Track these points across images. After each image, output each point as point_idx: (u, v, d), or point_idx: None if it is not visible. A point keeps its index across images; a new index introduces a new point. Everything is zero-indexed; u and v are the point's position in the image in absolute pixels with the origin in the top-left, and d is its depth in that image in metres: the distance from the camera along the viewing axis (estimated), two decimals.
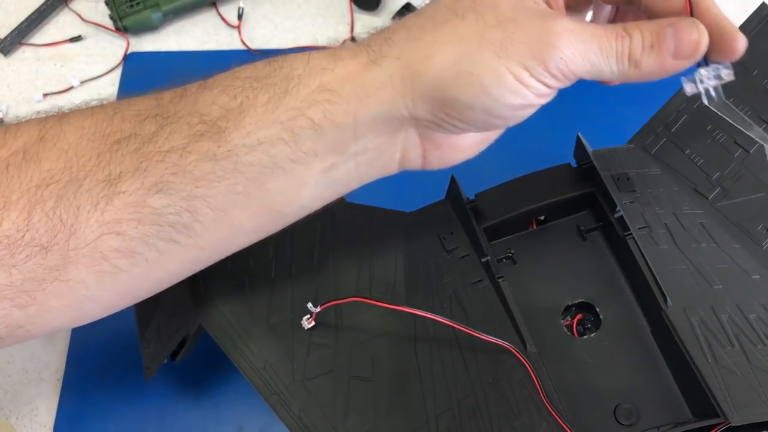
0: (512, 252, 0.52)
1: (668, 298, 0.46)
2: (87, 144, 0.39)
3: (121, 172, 0.38)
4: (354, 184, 0.43)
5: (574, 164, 0.54)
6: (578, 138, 0.53)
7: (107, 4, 0.79)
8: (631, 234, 0.49)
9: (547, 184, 0.53)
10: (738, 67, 0.56)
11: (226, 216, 0.40)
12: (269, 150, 0.38)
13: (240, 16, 0.79)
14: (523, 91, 0.37)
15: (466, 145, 0.44)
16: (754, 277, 0.49)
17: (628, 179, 0.53)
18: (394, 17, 0.77)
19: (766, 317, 0.46)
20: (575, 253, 0.52)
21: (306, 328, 0.49)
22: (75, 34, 0.79)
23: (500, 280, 0.49)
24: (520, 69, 0.36)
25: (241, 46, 0.77)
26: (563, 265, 0.52)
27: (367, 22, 0.78)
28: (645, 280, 0.47)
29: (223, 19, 0.80)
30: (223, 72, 0.40)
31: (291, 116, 0.38)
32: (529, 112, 0.40)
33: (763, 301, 0.47)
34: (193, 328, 0.50)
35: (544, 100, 0.39)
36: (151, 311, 0.54)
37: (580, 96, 0.71)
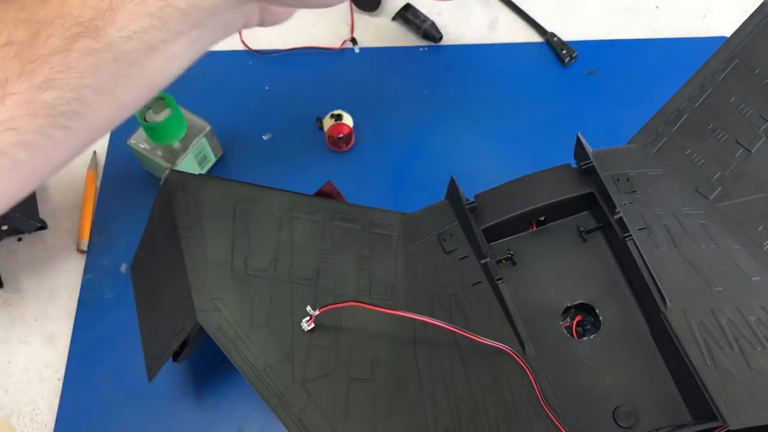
0: (512, 253, 0.52)
1: (667, 300, 0.46)
2: None
3: (6, 77, 0.41)
4: (211, 45, 0.49)
5: (573, 165, 0.54)
6: (578, 138, 0.53)
7: None
8: (631, 235, 0.48)
9: (547, 184, 0.52)
10: (742, 67, 0.56)
11: (111, 98, 0.45)
12: (143, 37, 0.43)
13: None
14: None
15: (291, 9, 0.52)
16: (754, 278, 0.48)
17: (628, 180, 0.52)
18: (394, 17, 0.77)
19: (766, 319, 0.46)
20: (575, 255, 0.52)
21: (306, 330, 0.49)
22: None
23: (499, 282, 0.49)
24: None
25: (241, 47, 0.77)
26: (563, 267, 0.52)
27: (367, 23, 0.78)
28: (644, 282, 0.47)
29: None
30: None
31: (159, 7, 0.43)
32: None
33: (763, 303, 0.47)
34: (194, 330, 0.50)
35: None
36: (152, 314, 0.54)
37: (581, 96, 0.71)
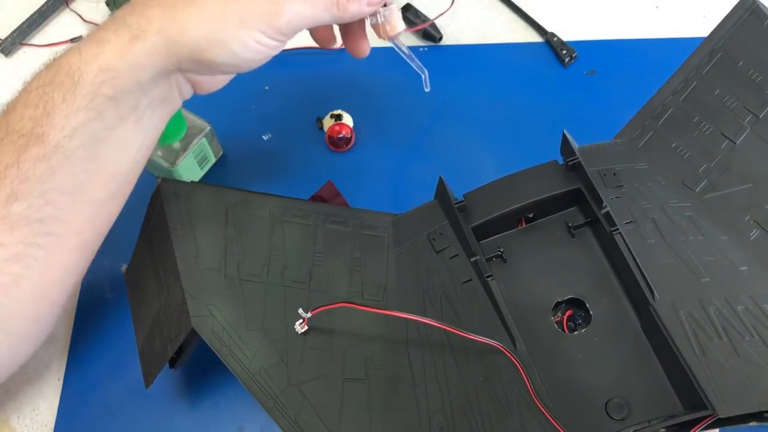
0: (502, 250, 0.52)
1: (656, 293, 0.47)
2: None
3: None
4: (161, 124, 0.52)
5: (561, 161, 0.54)
6: (564, 135, 0.53)
7: (108, 4, 0.79)
8: (618, 229, 0.49)
9: (535, 181, 0.53)
10: (725, 60, 0.57)
11: (81, 195, 0.48)
12: (85, 131, 0.46)
13: None
14: (262, 49, 0.48)
15: (223, 79, 0.54)
16: (741, 268, 0.49)
17: (614, 174, 0.53)
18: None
19: (754, 309, 0.47)
20: (564, 250, 0.52)
21: (299, 332, 0.49)
22: (76, 35, 0.79)
23: (489, 279, 0.49)
24: (259, 34, 0.47)
25: None
26: (553, 262, 0.52)
27: (367, 23, 0.78)
28: (633, 275, 0.48)
29: None
30: (17, 93, 0.47)
31: (89, 99, 0.45)
32: (270, 57, 0.50)
33: (750, 292, 0.47)
34: (189, 336, 0.50)
35: (279, 50, 0.50)
36: (147, 321, 0.54)
37: (581, 96, 0.71)
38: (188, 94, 0.52)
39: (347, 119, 0.70)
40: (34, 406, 0.60)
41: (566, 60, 0.73)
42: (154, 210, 0.55)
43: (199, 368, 0.59)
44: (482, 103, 0.72)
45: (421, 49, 0.76)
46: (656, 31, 0.76)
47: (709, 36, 0.58)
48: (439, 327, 0.46)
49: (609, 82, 0.72)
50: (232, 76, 0.54)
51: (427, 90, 0.57)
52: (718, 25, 0.58)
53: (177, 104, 0.52)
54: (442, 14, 0.77)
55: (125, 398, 0.59)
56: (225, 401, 0.58)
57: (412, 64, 0.56)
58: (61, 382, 0.60)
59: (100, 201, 0.49)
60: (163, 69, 0.47)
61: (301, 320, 0.49)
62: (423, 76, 0.56)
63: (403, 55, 0.56)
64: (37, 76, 0.47)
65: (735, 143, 0.54)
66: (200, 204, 0.53)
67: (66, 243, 0.48)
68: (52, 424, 0.59)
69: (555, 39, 0.75)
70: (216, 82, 0.53)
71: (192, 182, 0.58)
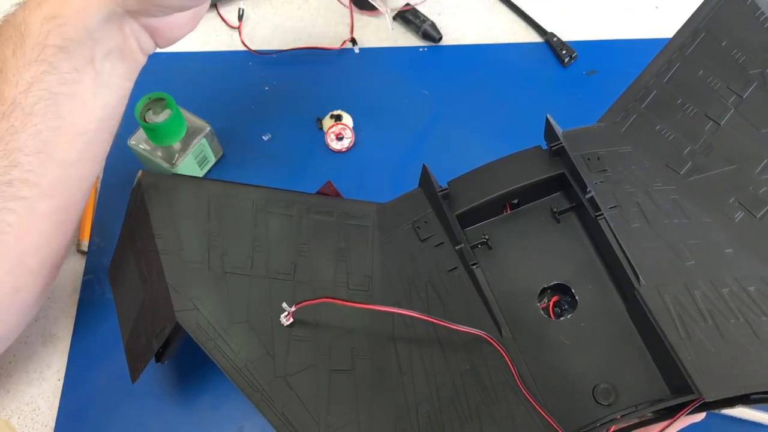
0: (487, 237, 0.52)
1: (641, 277, 0.46)
2: None
3: None
4: (125, 82, 0.50)
5: (542, 134, 0.54)
6: (547, 119, 0.53)
7: None
8: (602, 214, 0.49)
9: (519, 167, 0.53)
10: (709, 40, 0.56)
11: (47, 156, 0.47)
12: (41, 86, 0.45)
13: (240, 17, 0.79)
14: None
15: (179, 24, 0.52)
16: (726, 251, 0.49)
17: (598, 158, 0.53)
18: (394, 17, 0.77)
19: (739, 291, 0.47)
20: (550, 236, 0.52)
21: (285, 325, 0.49)
22: None
23: (474, 267, 0.49)
24: None
25: (241, 47, 0.77)
26: (538, 248, 0.52)
27: (367, 23, 0.78)
28: (618, 260, 0.48)
29: (223, 20, 0.79)
30: None
31: (38, 51, 0.45)
32: None
33: (736, 274, 0.47)
34: (174, 330, 0.50)
35: None
36: (132, 316, 0.54)
37: (581, 96, 0.71)
38: (149, 46, 0.51)
39: (347, 119, 0.70)
40: (34, 406, 0.60)
41: (566, 60, 0.73)
42: (135, 203, 0.54)
43: (199, 369, 0.59)
44: (482, 103, 0.72)
45: (420, 49, 0.76)
46: (656, 31, 0.76)
47: (692, 16, 0.58)
48: (424, 319, 0.46)
49: (609, 82, 0.72)
50: (187, 18, 0.52)
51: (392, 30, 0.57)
52: (701, 6, 0.58)
53: (139, 59, 0.51)
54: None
55: (125, 398, 0.59)
56: (225, 402, 0.58)
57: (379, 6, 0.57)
58: (61, 382, 0.60)
59: (69, 162, 0.48)
60: (109, 12, 0.46)
61: (286, 313, 0.48)
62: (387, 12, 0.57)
63: None
64: None
65: (719, 124, 0.54)
66: (182, 196, 0.53)
67: (38, 207, 0.48)
68: (52, 424, 0.59)
69: (555, 39, 0.75)
70: (173, 29, 0.52)
71: (173, 174, 0.58)
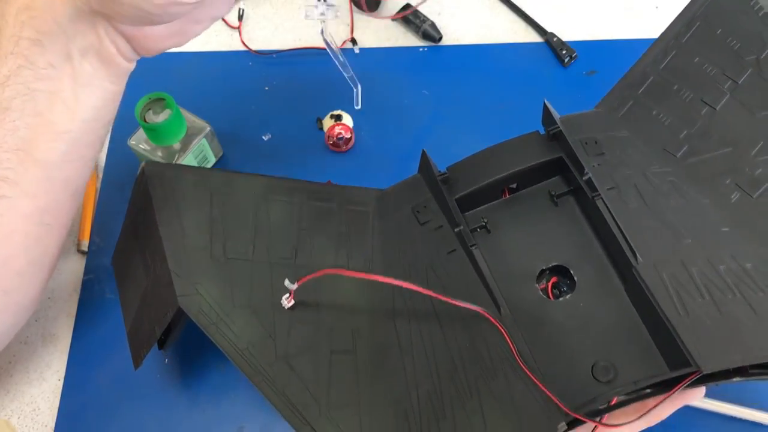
0: (485, 221, 0.52)
1: (638, 255, 0.47)
2: None
3: None
4: (110, 86, 0.49)
5: (542, 131, 0.54)
6: (545, 104, 0.53)
7: None
8: (599, 194, 0.49)
9: (517, 152, 0.53)
10: (704, 28, 0.57)
11: (27, 154, 0.46)
12: (18, 80, 0.45)
13: (240, 17, 0.80)
14: None
15: (158, 36, 0.49)
16: (723, 230, 0.49)
17: (596, 143, 0.53)
18: (394, 17, 0.78)
19: (735, 268, 0.47)
20: (548, 219, 0.52)
21: (286, 307, 0.49)
22: None
23: (473, 248, 0.49)
24: None
25: (241, 47, 0.77)
26: (537, 231, 0.52)
27: (367, 23, 0.79)
28: (615, 239, 0.48)
29: (223, 20, 0.80)
30: None
31: (14, 43, 0.44)
32: (180, 9, 0.45)
33: (732, 252, 0.48)
34: (177, 316, 0.50)
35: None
36: (135, 303, 0.54)
37: (581, 96, 0.72)
38: (126, 51, 0.49)
39: (347, 119, 0.71)
40: (34, 406, 0.60)
41: (566, 60, 0.74)
42: (138, 193, 0.55)
43: (199, 369, 0.60)
44: (482, 103, 0.73)
45: (420, 49, 0.77)
46: (656, 31, 0.75)
47: (687, 6, 0.59)
48: (424, 293, 0.46)
49: (609, 82, 0.71)
50: (164, 34, 0.50)
51: (357, 108, 0.57)
52: None
53: (122, 64, 0.49)
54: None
55: (125, 398, 0.59)
56: (225, 401, 0.58)
57: (344, 74, 0.55)
58: (61, 382, 0.60)
59: (51, 163, 0.48)
60: (76, 7, 0.45)
61: (287, 294, 0.49)
62: (355, 91, 0.56)
63: (336, 62, 0.55)
64: None
65: (715, 109, 0.54)
66: (185, 185, 0.54)
67: (21, 208, 0.47)
68: (52, 424, 0.59)
69: (555, 39, 0.75)
70: (150, 40, 0.49)
71: (176, 164, 0.59)
